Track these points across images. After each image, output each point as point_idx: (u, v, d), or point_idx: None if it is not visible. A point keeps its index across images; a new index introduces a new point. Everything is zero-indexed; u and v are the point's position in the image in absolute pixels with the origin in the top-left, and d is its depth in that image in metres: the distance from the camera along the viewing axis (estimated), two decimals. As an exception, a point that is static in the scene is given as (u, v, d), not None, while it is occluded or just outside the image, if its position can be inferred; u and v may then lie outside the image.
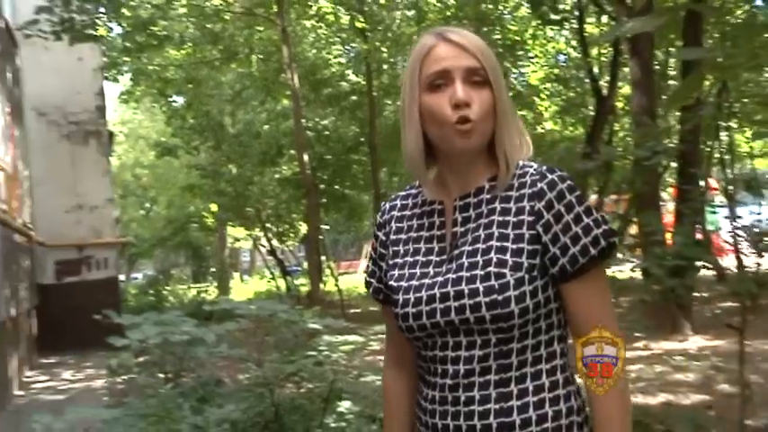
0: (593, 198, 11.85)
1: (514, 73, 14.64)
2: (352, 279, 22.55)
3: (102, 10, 10.12)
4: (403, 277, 1.37)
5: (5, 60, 9.83)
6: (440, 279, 1.31)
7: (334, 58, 16.03)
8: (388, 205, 1.49)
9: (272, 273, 19.21)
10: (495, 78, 1.31)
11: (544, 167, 1.34)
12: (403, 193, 1.49)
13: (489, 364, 1.27)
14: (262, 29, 12.73)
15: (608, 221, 1.31)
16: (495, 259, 1.27)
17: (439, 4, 12.36)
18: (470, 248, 1.31)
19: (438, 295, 1.30)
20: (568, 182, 1.31)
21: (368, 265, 1.51)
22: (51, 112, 12.29)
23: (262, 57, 13.38)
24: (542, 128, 16.59)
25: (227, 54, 12.41)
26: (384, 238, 1.46)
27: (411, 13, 13.20)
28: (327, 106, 16.70)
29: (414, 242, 1.40)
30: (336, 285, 15.35)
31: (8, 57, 10.22)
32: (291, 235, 20.35)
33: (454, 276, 1.29)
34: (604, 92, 11.64)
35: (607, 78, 12.28)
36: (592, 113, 13.03)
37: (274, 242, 19.29)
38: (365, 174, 17.81)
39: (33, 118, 12.17)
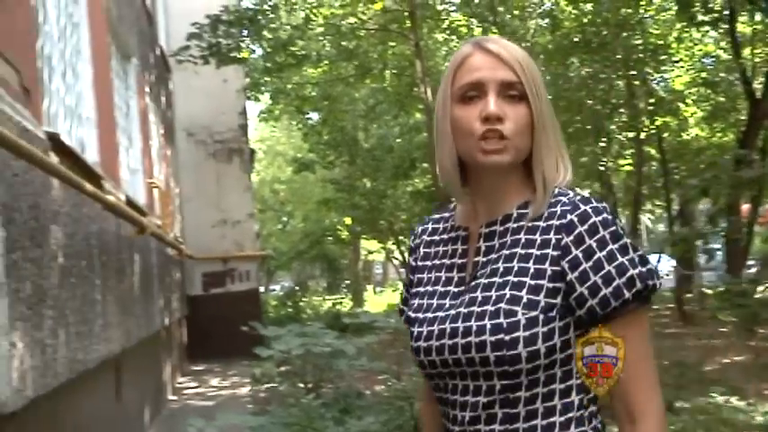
0: (744, 208, 11.08)
1: (656, 78, 13.98)
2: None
3: (246, 33, 10.61)
4: (421, 308, 1.28)
5: (160, 85, 10.53)
6: (452, 312, 1.21)
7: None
8: (420, 229, 1.41)
9: (405, 285, 19.26)
10: (534, 93, 1.19)
11: (578, 197, 1.20)
12: (436, 216, 1.40)
13: (495, 412, 1.17)
14: (395, 44, 12.90)
15: (648, 262, 1.18)
16: (508, 295, 1.16)
17: (575, 11, 12.02)
18: (486, 281, 1.21)
19: (448, 330, 1.20)
20: (604, 215, 1.17)
21: (401, 293, 1.43)
22: (199, 132, 13.04)
23: (395, 71, 13.55)
24: (687, 134, 15.73)
25: (362, 70, 12.67)
26: (413, 263, 1.38)
27: (545, 22, 12.94)
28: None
29: (436, 270, 1.31)
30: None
31: (162, 82, 10.95)
32: (424, 248, 20.29)
33: (465, 311, 1.19)
34: (758, 95, 10.85)
35: (761, 80, 11.45)
36: (743, 118, 12.19)
37: (407, 255, 19.34)
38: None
39: (183, 138, 12.96)
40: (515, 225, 1.23)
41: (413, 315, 1.28)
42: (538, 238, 1.19)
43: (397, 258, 20.41)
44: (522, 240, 1.21)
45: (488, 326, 1.15)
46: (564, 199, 1.21)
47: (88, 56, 5.64)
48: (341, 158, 17.53)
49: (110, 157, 5.99)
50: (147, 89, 9.13)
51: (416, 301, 1.30)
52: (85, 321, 4.33)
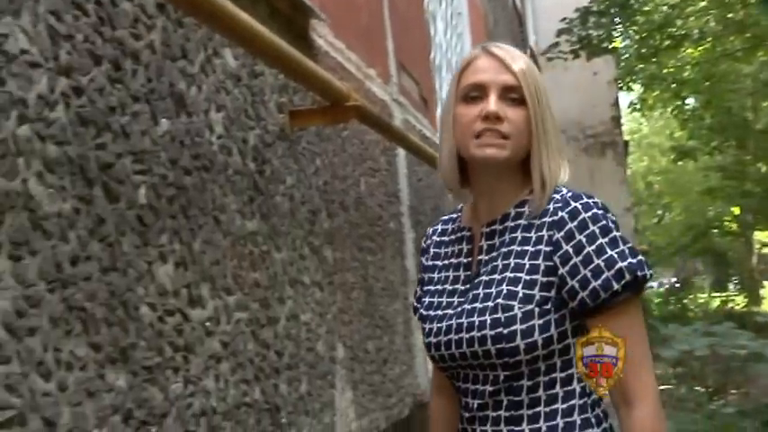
0: None
1: None
2: None
3: (617, 20, 10.24)
4: (431, 306, 1.36)
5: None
6: (459, 309, 1.29)
7: None
8: (430, 230, 1.48)
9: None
10: (533, 98, 1.25)
11: (570, 194, 1.26)
12: (446, 217, 1.47)
13: (501, 399, 1.25)
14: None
15: (638, 254, 1.22)
16: (505, 291, 1.24)
17: None
18: (487, 279, 1.27)
19: (455, 326, 1.28)
20: (594, 210, 1.23)
21: (416, 290, 1.48)
22: (570, 128, 13.01)
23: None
24: None
25: (753, 42, 11.30)
26: (425, 263, 1.45)
27: None
28: None
29: (445, 270, 1.38)
30: None
31: (533, 81, 11.13)
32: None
33: (469, 307, 1.27)
34: None
35: None
36: None
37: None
38: None
39: (555, 135, 13.04)
40: (513, 223, 1.29)
41: (425, 313, 1.37)
42: (533, 235, 1.25)
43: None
44: (519, 238, 1.27)
45: (488, 321, 1.23)
46: (557, 196, 1.26)
47: (470, 63, 5.95)
48: (727, 143, 15.92)
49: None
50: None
51: (428, 300, 1.38)
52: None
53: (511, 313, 1.21)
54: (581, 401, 1.25)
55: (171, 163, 1.64)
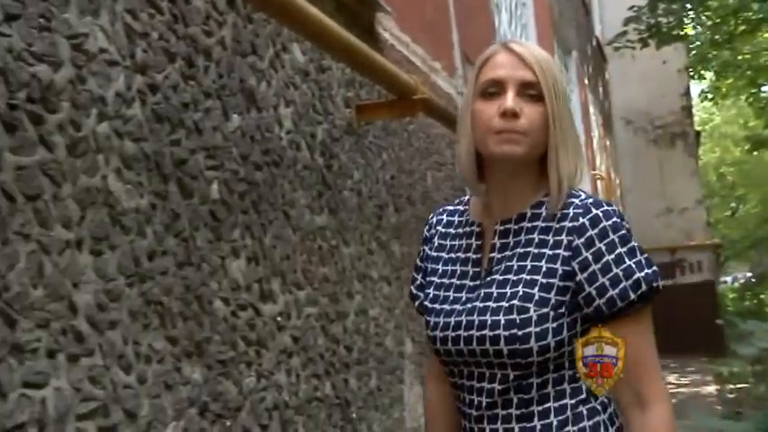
0: None
1: None
2: None
3: (689, 6, 9.90)
4: (437, 299, 1.34)
5: (597, 76, 10.49)
6: (468, 306, 1.28)
7: None
8: (434, 219, 1.45)
9: None
10: (551, 95, 1.25)
11: (590, 200, 1.26)
12: (450, 208, 1.45)
13: (510, 398, 1.26)
14: None
15: (652, 265, 1.24)
16: (521, 293, 1.24)
17: None
18: (501, 278, 1.27)
19: (464, 322, 1.27)
20: (614, 219, 1.24)
21: (413, 276, 1.45)
22: (638, 119, 12.66)
23: None
24: None
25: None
26: (428, 251, 1.42)
27: None
28: None
29: (452, 263, 1.36)
30: None
31: (599, 72, 10.90)
32: None
33: (481, 305, 1.26)
34: None
35: None
36: None
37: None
38: None
39: (621, 127, 12.74)
40: (529, 224, 1.28)
41: (429, 305, 1.35)
42: (551, 238, 1.25)
43: None
44: (536, 240, 1.26)
45: (502, 321, 1.23)
46: (576, 201, 1.25)
47: (535, 54, 5.86)
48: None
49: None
50: (586, 81, 9.17)
51: (432, 292, 1.36)
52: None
53: (526, 315, 1.22)
54: (587, 395, 1.28)
55: (242, 158, 1.65)
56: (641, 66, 11.82)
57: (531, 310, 1.22)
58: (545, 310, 1.22)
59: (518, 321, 1.22)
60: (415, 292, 1.45)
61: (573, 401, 1.26)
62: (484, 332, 1.24)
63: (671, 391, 8.23)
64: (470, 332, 1.26)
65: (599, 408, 1.28)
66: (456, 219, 1.42)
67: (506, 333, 1.22)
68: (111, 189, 1.22)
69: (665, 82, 12.30)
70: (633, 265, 1.21)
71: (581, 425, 1.25)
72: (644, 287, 1.21)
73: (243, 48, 1.70)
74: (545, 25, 6.22)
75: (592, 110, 9.46)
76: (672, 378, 9.17)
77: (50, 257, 1.08)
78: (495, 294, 1.26)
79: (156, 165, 1.35)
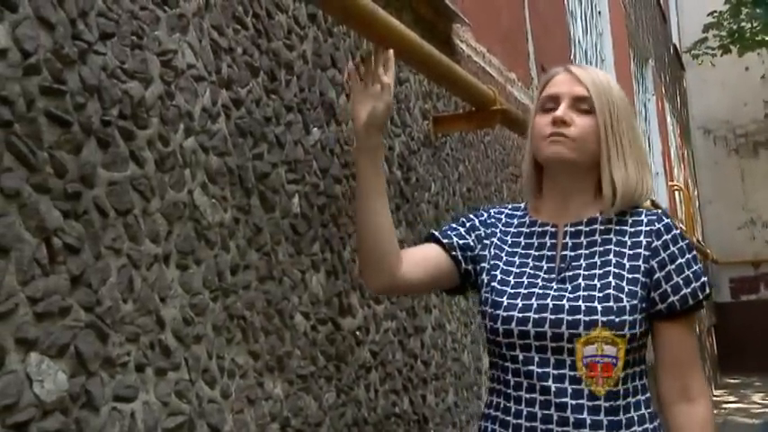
0: None
1: None
2: None
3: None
4: (508, 283, 1.38)
5: (674, 84, 10.18)
6: (552, 293, 1.33)
7: None
8: (492, 211, 1.52)
9: None
10: (603, 108, 1.35)
11: (659, 211, 1.39)
12: (507, 210, 1.51)
13: (581, 388, 1.27)
14: None
15: (706, 274, 1.36)
16: (613, 283, 1.31)
17: None
18: (586, 273, 1.33)
19: (551, 306, 1.31)
20: (679, 230, 1.37)
21: (451, 225, 1.52)
22: (717, 128, 12.25)
23: None
24: None
25: None
26: (486, 232, 1.47)
27: None
28: None
29: (522, 257, 1.42)
30: None
31: (676, 80, 10.58)
32: None
33: (571, 295, 1.31)
34: None
35: None
36: None
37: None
38: None
39: (699, 136, 12.33)
40: (602, 227, 1.37)
41: (499, 287, 1.38)
42: (628, 240, 1.35)
43: None
44: (614, 240, 1.35)
45: (599, 308, 1.28)
46: (644, 211, 1.38)
47: (611, 62, 5.73)
48: None
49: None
50: (663, 90, 8.91)
51: (500, 276, 1.40)
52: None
53: (621, 304, 1.29)
54: (647, 396, 1.34)
55: (322, 172, 1.64)
56: (721, 73, 11.45)
57: (625, 300, 1.29)
58: (634, 301, 1.30)
59: (615, 309, 1.28)
60: (444, 231, 1.49)
61: (644, 398, 1.32)
62: (578, 316, 1.28)
63: (754, 411, 7.86)
64: (560, 315, 1.29)
65: (654, 413, 1.35)
66: (516, 220, 1.49)
67: (604, 318, 1.27)
68: (196, 203, 1.23)
69: (748, 89, 11.88)
70: (699, 270, 1.35)
71: (654, 424, 1.32)
72: (707, 290, 1.35)
73: (323, 61, 1.70)
74: (621, 34, 6.08)
75: (669, 119, 9.18)
76: (756, 397, 8.75)
77: (140, 272, 1.09)
78: (583, 285, 1.32)
79: (240, 179, 1.35)
